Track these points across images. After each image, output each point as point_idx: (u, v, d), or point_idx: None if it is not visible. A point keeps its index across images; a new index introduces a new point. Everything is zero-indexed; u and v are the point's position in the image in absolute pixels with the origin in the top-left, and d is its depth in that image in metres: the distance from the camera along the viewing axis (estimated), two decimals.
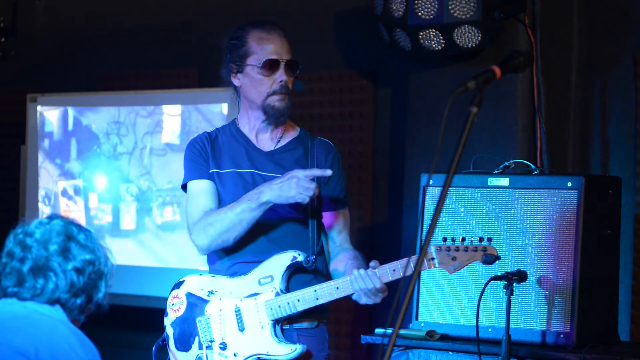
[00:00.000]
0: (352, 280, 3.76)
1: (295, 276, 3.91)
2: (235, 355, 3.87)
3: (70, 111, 6.54)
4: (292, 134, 4.06)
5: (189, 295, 3.96)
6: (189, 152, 4.04)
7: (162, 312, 4.02)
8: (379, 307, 5.62)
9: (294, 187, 3.75)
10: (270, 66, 3.95)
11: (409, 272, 3.71)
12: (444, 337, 4.32)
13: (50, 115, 6.59)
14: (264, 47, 3.96)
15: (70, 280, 2.84)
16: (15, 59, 7.08)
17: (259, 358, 3.86)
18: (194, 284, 3.98)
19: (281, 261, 3.87)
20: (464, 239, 3.75)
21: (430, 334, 4.31)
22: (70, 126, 6.52)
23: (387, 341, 2.55)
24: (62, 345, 2.75)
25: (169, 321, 3.99)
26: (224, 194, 3.97)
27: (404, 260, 3.77)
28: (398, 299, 2.61)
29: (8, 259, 2.87)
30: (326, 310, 4.00)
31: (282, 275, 3.86)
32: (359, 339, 4.52)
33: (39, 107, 6.67)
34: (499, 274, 4.08)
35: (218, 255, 4.01)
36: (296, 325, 3.92)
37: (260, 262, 3.90)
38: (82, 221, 6.20)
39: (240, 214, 3.83)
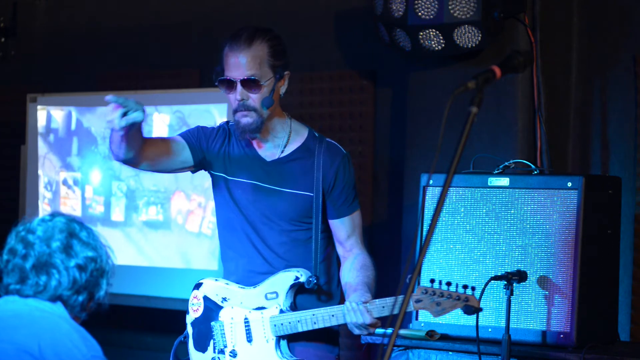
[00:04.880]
0: (344, 312, 3.80)
1: (302, 294, 3.94)
2: None
3: (74, 113, 6.73)
4: (298, 141, 3.98)
5: (206, 298, 4.01)
6: (201, 126, 4.04)
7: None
8: None
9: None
10: (226, 85, 3.87)
11: (397, 310, 3.69)
12: (444, 337, 4.32)
13: (56, 114, 6.81)
14: (226, 65, 3.88)
15: (72, 277, 2.84)
16: (15, 59, 7.09)
17: None
18: (211, 288, 4.01)
19: (285, 279, 3.90)
20: (449, 284, 3.77)
21: (430, 334, 4.31)
22: (73, 126, 6.75)
23: (387, 341, 2.55)
24: (64, 341, 2.76)
25: (189, 320, 4.04)
26: (229, 201, 3.99)
27: (392, 298, 3.79)
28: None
29: (10, 256, 2.87)
30: (336, 333, 4.03)
31: (287, 293, 3.90)
32: (359, 339, 4.51)
33: (39, 106, 6.80)
34: (499, 274, 4.08)
35: (228, 258, 4.05)
36: (303, 343, 3.96)
37: (268, 273, 3.93)
38: (78, 208, 6.67)
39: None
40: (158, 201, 6.42)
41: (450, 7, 4.91)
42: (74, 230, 2.89)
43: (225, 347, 3.94)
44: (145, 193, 6.47)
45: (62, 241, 2.86)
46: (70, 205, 6.71)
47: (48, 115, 6.81)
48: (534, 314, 4.18)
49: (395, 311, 3.73)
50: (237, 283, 3.98)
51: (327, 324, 3.84)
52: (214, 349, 3.97)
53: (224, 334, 3.95)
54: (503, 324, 4.04)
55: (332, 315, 3.83)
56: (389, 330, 3.59)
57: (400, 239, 5.47)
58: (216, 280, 4.02)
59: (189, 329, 4.04)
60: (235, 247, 4.00)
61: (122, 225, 6.55)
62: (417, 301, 3.77)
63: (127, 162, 3.83)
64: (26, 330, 2.77)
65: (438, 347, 4.28)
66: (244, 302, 3.94)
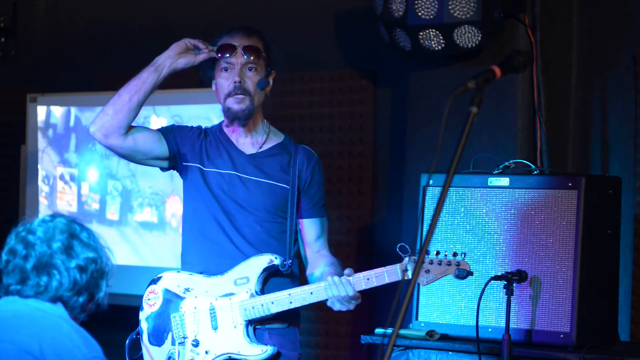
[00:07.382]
0: (326, 286, 3.84)
1: (272, 279, 3.98)
2: (207, 352, 3.93)
3: (73, 110, 6.77)
4: (275, 140, 4.11)
5: (166, 291, 4.02)
6: (180, 124, 4.19)
7: (137, 310, 4.05)
8: (379, 307, 5.62)
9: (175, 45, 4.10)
10: (225, 68, 4.01)
11: (381, 282, 3.81)
12: (444, 337, 4.32)
13: (55, 110, 6.85)
14: (224, 50, 4.03)
15: (73, 278, 2.85)
16: (15, 59, 7.09)
17: (230, 357, 3.92)
18: (171, 281, 4.03)
19: (258, 263, 3.94)
20: (438, 253, 3.80)
21: (430, 334, 4.31)
22: (71, 123, 6.80)
23: (387, 341, 2.55)
24: (65, 342, 2.77)
25: (144, 315, 4.04)
26: (205, 190, 4.03)
27: (378, 270, 3.84)
28: (398, 299, 2.61)
29: (10, 256, 2.87)
30: (298, 315, 4.07)
31: (258, 277, 3.93)
32: (359, 339, 4.52)
33: (39, 106, 6.83)
34: (499, 274, 4.08)
35: (193, 250, 4.07)
36: (267, 326, 3.99)
37: (237, 261, 3.96)
38: (74, 204, 6.72)
39: (135, 80, 4.13)
40: (153, 203, 6.47)
41: (450, 7, 4.91)
42: (75, 231, 2.89)
43: (186, 337, 3.94)
44: (141, 194, 6.51)
45: (62, 242, 2.86)
46: (67, 201, 6.75)
47: (48, 111, 6.86)
48: (534, 314, 4.18)
49: (379, 283, 3.82)
50: (200, 273, 4.01)
51: (305, 302, 3.88)
52: (172, 341, 3.97)
53: (184, 324, 3.95)
54: (503, 324, 4.05)
55: (311, 293, 3.87)
56: (389, 330, 3.59)
57: (401, 239, 5.46)
58: (178, 272, 4.05)
59: (143, 325, 4.03)
60: (204, 238, 4.03)
61: (117, 224, 6.59)
62: (405, 270, 3.79)
63: (117, 131, 4.03)
64: (27, 331, 2.78)
65: (438, 347, 4.29)
66: (209, 290, 3.96)
